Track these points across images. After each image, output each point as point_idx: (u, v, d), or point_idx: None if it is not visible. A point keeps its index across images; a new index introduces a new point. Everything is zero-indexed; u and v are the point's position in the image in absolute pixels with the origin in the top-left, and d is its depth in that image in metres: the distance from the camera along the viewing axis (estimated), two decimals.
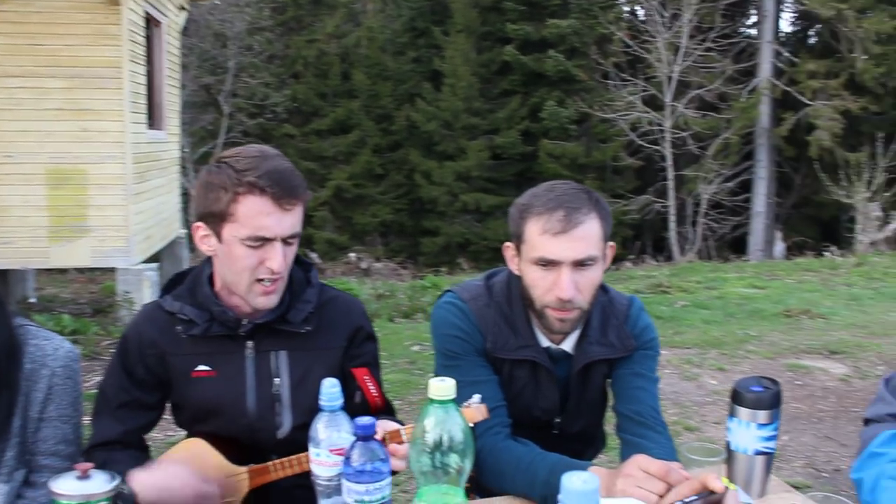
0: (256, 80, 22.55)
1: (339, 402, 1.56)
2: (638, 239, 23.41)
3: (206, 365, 1.97)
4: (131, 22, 8.45)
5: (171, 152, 11.00)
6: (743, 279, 11.35)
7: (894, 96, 23.00)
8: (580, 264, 1.89)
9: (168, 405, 2.10)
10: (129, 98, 8.35)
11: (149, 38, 9.51)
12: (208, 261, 2.00)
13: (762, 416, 1.71)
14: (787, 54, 22.28)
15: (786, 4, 23.83)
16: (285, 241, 1.84)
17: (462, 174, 22.97)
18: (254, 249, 1.82)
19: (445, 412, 1.40)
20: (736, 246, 21.38)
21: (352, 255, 19.04)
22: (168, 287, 2.04)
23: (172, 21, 10.85)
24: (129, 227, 8.38)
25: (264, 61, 23.02)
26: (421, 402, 2.17)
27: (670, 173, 19.92)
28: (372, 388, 2.06)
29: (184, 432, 2.10)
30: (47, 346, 1.87)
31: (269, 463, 1.84)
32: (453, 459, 1.39)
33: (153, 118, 9.75)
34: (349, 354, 2.06)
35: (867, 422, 2.01)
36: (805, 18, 24.48)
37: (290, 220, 1.83)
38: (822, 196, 20.99)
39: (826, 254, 14.68)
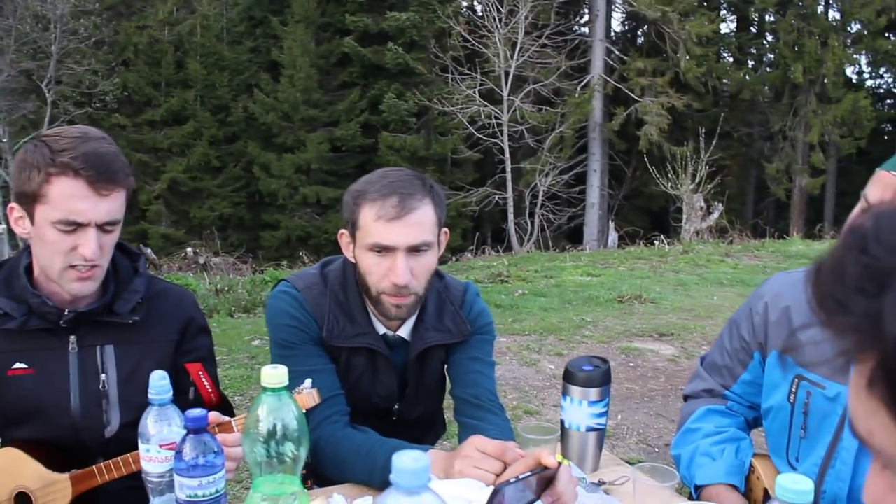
0: (83, 66, 21.38)
1: (169, 394, 1.47)
2: (478, 230, 23.80)
3: (23, 362, 1.80)
4: None
5: None
6: (579, 268, 11.67)
7: (714, 94, 24.46)
8: (415, 250, 1.86)
9: None
10: None
11: None
12: (26, 251, 1.84)
13: (593, 393, 1.75)
14: (617, 52, 23.21)
15: (616, 5, 24.81)
16: (102, 227, 1.72)
17: (302, 167, 22.69)
18: (66, 234, 1.69)
19: (279, 400, 1.34)
20: (572, 236, 22.07)
21: (189, 249, 18.37)
22: None
23: None
24: None
25: (91, 47, 21.87)
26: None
27: (508, 166, 20.31)
28: (206, 384, 1.96)
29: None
30: None
31: (94, 466, 1.69)
32: (288, 448, 1.33)
33: None
34: (182, 349, 1.96)
35: (686, 398, 2.10)
36: (634, 19, 25.63)
37: (106, 206, 1.70)
38: (651, 188, 21.96)
39: (655, 243, 15.31)
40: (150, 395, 1.46)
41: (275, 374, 1.34)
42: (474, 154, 22.41)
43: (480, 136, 20.57)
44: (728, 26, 27.28)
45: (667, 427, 5.11)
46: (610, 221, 21.01)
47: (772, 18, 24.91)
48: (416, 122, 22.75)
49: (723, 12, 27.12)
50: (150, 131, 23.20)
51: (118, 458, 1.68)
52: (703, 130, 18.24)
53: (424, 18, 22.41)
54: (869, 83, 29.34)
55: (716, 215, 16.78)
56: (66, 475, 1.70)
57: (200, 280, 11.14)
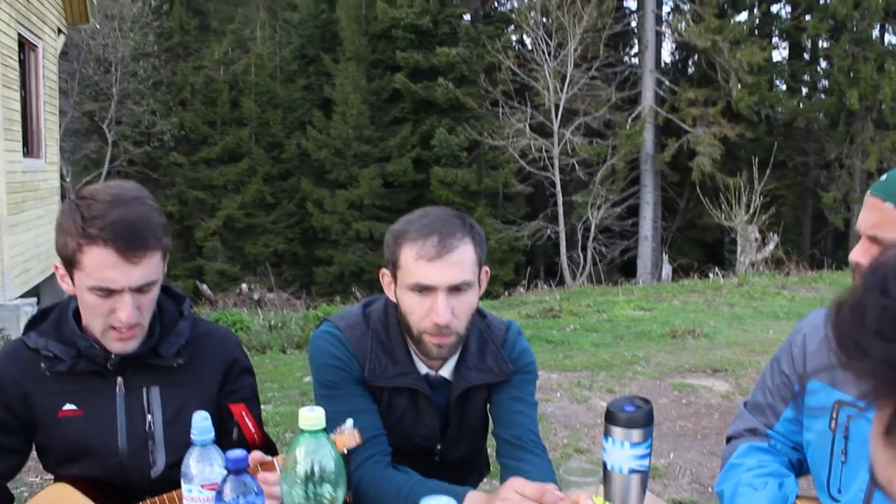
0: (142, 107, 21.96)
1: (210, 435, 1.49)
2: (530, 264, 23.76)
3: (73, 404, 1.85)
4: (3, 45, 8.09)
5: (49, 181, 10.55)
6: (631, 302, 11.57)
7: (767, 123, 24.16)
8: (455, 289, 1.87)
9: (34, 449, 1.96)
10: (2, 125, 7.97)
11: (23, 63, 9.12)
12: (73, 297, 1.88)
13: (635, 434, 1.70)
14: (668, 83, 23.10)
15: (666, 35, 24.71)
16: (138, 289, 1.75)
17: (354, 202, 22.90)
18: (103, 299, 1.73)
19: (316, 442, 1.37)
20: (625, 269, 21.92)
21: (243, 285, 18.63)
22: (32, 323, 1.91)
23: (49, 45, 10.44)
24: (4, 261, 7.97)
25: (150, 88, 22.48)
26: None
27: (560, 199, 20.28)
28: (250, 424, 1.98)
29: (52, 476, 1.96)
30: None
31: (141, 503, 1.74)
32: (326, 490, 1.35)
33: (29, 146, 9.34)
34: (225, 389, 1.98)
35: (729, 440, 2.08)
36: (683, 49, 25.47)
37: (138, 273, 1.72)
38: (704, 219, 21.76)
39: (710, 275, 15.14)
40: (192, 436, 1.48)
41: (312, 417, 1.37)
42: (525, 188, 22.42)
43: (531, 169, 20.60)
44: (780, 53, 27.02)
45: (717, 466, 5.04)
46: (663, 254, 20.81)
47: (825, 44, 24.59)
48: (468, 156, 22.86)
49: (774, 39, 26.87)
50: (206, 169, 23.65)
51: (164, 495, 1.71)
52: (757, 160, 18.04)
53: (474, 53, 22.59)
54: None
55: (771, 246, 16.54)
56: None
57: (254, 316, 11.27)
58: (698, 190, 19.29)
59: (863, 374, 0.53)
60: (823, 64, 25.77)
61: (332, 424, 1.83)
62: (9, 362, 1.86)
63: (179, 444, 1.83)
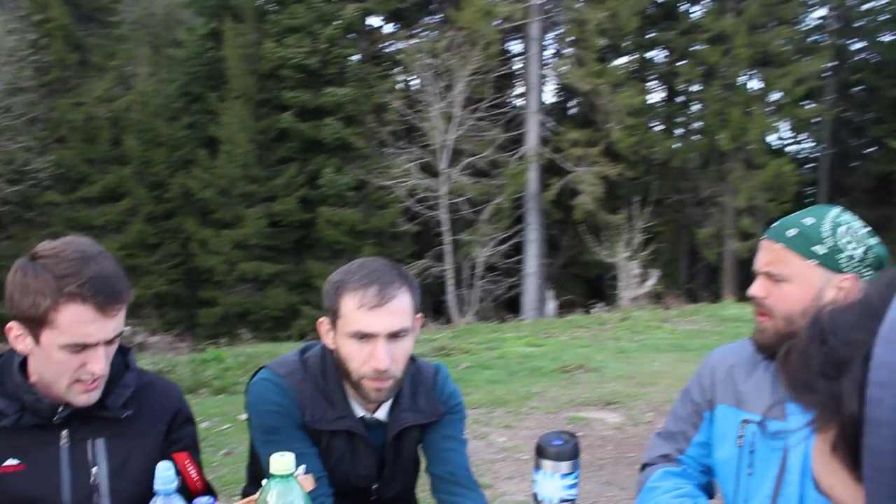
0: (16, 143, 21.15)
1: (174, 484, 1.55)
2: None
3: (15, 458, 1.83)
4: None
5: None
6: (521, 338, 11.77)
7: (646, 163, 25.12)
8: (394, 336, 1.96)
9: None
10: None
11: None
12: (12, 353, 1.89)
13: (564, 466, 1.83)
14: (551, 124, 23.76)
15: (549, 78, 25.44)
16: (110, 341, 1.79)
17: (240, 242, 22.57)
18: (75, 354, 1.75)
19: (287, 486, 1.44)
20: (511, 306, 22.25)
21: (126, 328, 18.08)
22: None
23: None
24: None
25: (25, 124, 21.67)
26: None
27: (447, 238, 20.50)
28: (193, 472, 2.01)
29: None
30: None
31: None
32: None
33: None
34: (169, 439, 2.02)
35: (643, 467, 2.25)
36: (566, 91, 26.29)
37: (113, 325, 1.77)
38: (586, 256, 22.35)
39: (592, 310, 15.56)
40: (156, 486, 1.53)
41: (283, 462, 1.45)
42: (412, 227, 22.59)
43: (419, 208, 20.77)
44: (655, 96, 28.21)
45: (617, 495, 5.18)
46: (548, 290, 21.27)
47: (697, 88, 25.80)
48: (355, 195, 22.88)
49: (651, 84, 28.06)
50: (85, 208, 22.89)
51: None
52: (638, 199, 18.70)
53: (362, 94, 22.73)
54: (790, 148, 30.57)
55: (652, 281, 17.12)
56: None
57: (139, 360, 10.94)
58: (581, 227, 19.83)
59: (811, 405, 0.66)
60: (696, 107, 27.03)
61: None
62: None
63: (125, 495, 1.89)
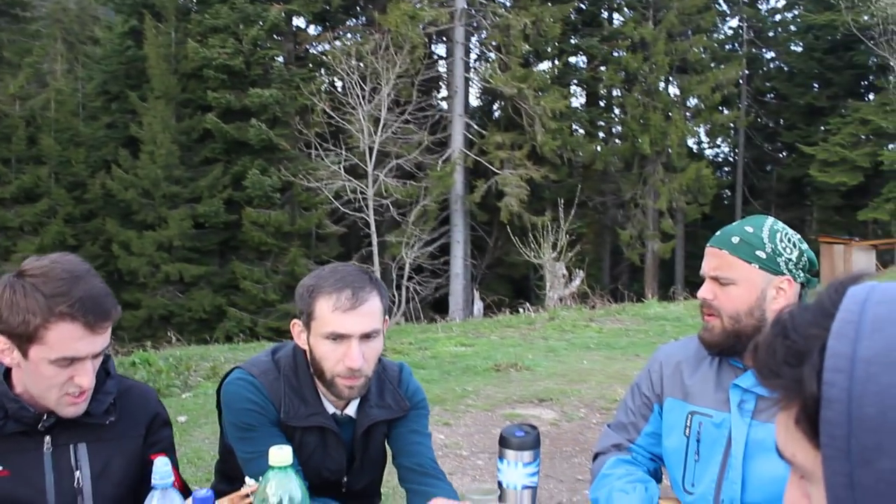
0: None
1: (171, 479, 1.61)
2: None
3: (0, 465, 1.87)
4: None
5: None
6: (452, 338, 11.87)
7: (569, 166, 25.58)
8: (367, 337, 2.08)
9: None
10: None
11: None
12: None
13: (526, 455, 1.98)
14: (476, 127, 24.02)
15: (473, 81, 25.71)
16: (96, 356, 1.84)
17: (163, 244, 22.22)
18: (63, 368, 1.79)
19: (285, 475, 1.56)
20: (438, 306, 22.43)
21: None
22: None
23: None
24: None
25: None
26: None
27: (374, 239, 20.53)
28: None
29: None
30: None
31: None
32: None
33: None
34: (148, 441, 2.08)
35: (596, 456, 2.44)
36: (490, 94, 26.60)
37: (101, 341, 1.81)
38: (512, 257, 22.66)
39: (520, 310, 15.77)
40: (153, 480, 1.60)
41: (281, 454, 1.57)
42: (339, 228, 22.58)
43: (346, 210, 20.74)
44: (578, 101, 28.75)
45: (557, 487, 5.34)
46: (474, 291, 21.48)
47: (618, 93, 26.43)
48: (281, 197, 22.75)
49: (573, 88, 28.61)
50: (0, 209, 22.26)
51: None
52: (562, 201, 19.03)
53: (287, 95, 22.60)
54: (708, 153, 31.52)
55: (577, 282, 17.42)
56: None
57: None
58: (508, 229, 20.09)
59: (777, 388, 0.81)
60: (617, 111, 27.67)
61: (251, 464, 2.05)
62: None
63: (108, 497, 1.95)
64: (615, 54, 25.74)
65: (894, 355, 0.74)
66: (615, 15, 28.46)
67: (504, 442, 1.97)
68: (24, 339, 1.77)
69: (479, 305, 19.87)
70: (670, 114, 24.52)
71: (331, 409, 2.23)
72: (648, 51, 24.61)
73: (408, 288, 20.28)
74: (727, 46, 29.30)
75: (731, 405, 2.09)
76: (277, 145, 22.42)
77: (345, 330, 2.04)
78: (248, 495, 1.81)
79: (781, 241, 2.09)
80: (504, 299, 19.73)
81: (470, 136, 23.91)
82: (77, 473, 1.94)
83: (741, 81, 27.51)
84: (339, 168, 20.58)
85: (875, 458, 0.73)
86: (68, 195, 22.92)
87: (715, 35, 28.37)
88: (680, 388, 2.23)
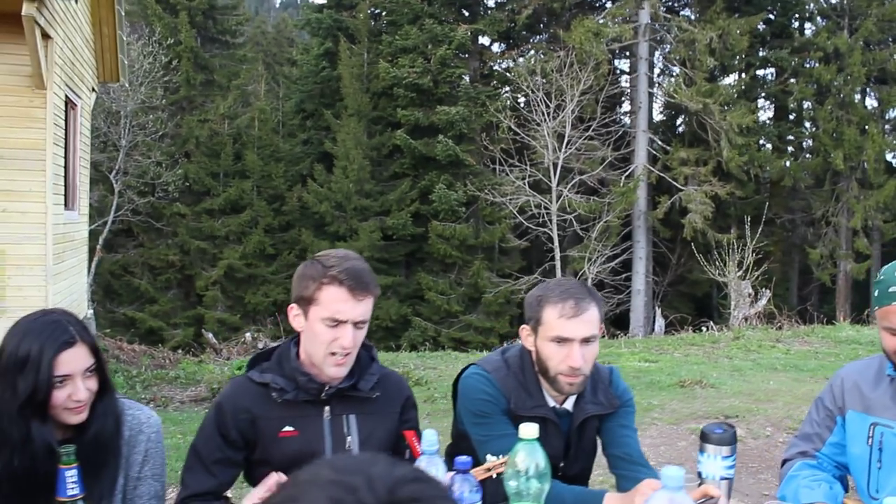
0: (148, 158, 22.38)
1: (436, 447, 1.98)
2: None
3: (291, 426, 2.33)
4: (55, 105, 8.56)
5: (81, 232, 10.99)
6: (635, 353, 11.97)
7: (756, 182, 24.89)
8: (586, 341, 2.40)
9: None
10: (52, 180, 8.41)
11: (65, 121, 9.59)
12: (294, 340, 2.40)
13: (725, 450, 2.21)
14: (660, 142, 23.80)
15: (657, 96, 25.51)
16: (356, 324, 2.25)
17: None
18: (330, 329, 2.23)
19: (532, 447, 1.91)
20: (618, 323, 22.36)
21: (247, 334, 18.91)
22: (253, 363, 2.43)
23: (85, 103, 10.95)
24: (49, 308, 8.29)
25: (156, 140, 22.93)
26: None
27: (557, 254, 20.75)
28: (418, 446, 2.46)
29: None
30: (140, 415, 2.26)
31: None
32: (533, 484, 1.89)
33: (67, 199, 9.75)
34: (401, 419, 2.50)
35: (784, 462, 2.69)
36: (674, 109, 26.26)
37: (360, 309, 2.24)
38: (695, 274, 22.31)
39: (703, 328, 15.59)
40: (422, 447, 1.98)
41: (529, 429, 1.93)
42: (522, 242, 22.96)
43: (529, 225, 21.09)
44: (766, 115, 27.89)
45: (742, 501, 5.38)
46: (656, 308, 21.29)
47: (809, 107, 25.47)
48: (466, 211, 23.43)
49: (761, 102, 27.78)
50: (209, 219, 24.09)
51: None
52: (749, 218, 18.61)
53: (473, 112, 23.29)
54: None
55: (764, 301, 16.98)
56: None
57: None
58: (692, 246, 19.83)
59: None
60: (808, 125, 26.67)
61: (486, 445, 2.41)
62: (239, 394, 2.35)
63: None
64: (806, 66, 24.86)
65: None
66: (807, 25, 27.47)
67: (705, 437, 2.21)
68: (306, 302, 2.25)
69: (660, 322, 19.67)
70: (867, 127, 23.42)
71: (551, 403, 2.56)
72: (843, 61, 23.62)
73: None
74: None
75: None
76: (463, 161, 23.12)
77: (568, 334, 2.38)
78: (489, 469, 2.14)
79: None
80: (687, 317, 19.43)
81: (653, 152, 23.75)
82: (349, 438, 2.37)
83: None
84: (524, 183, 20.94)
85: None
86: (268, 207, 24.50)
87: None
88: (860, 401, 2.46)
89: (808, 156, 26.04)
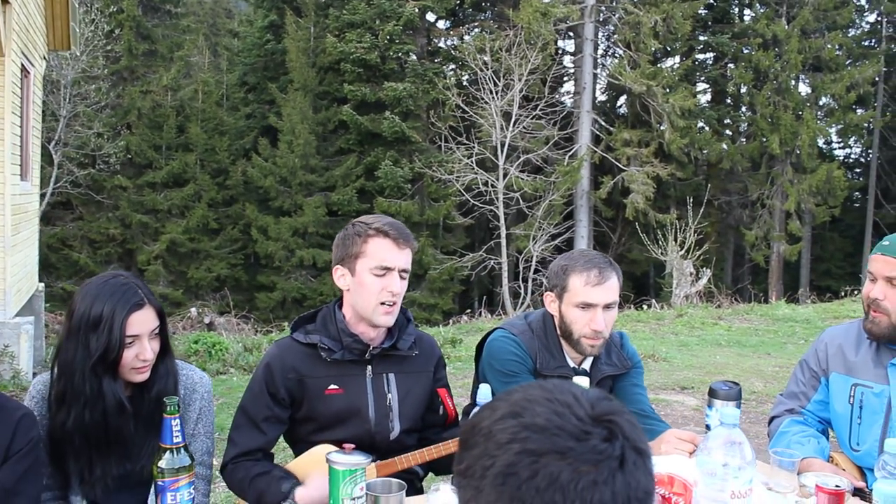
0: (89, 129, 21.87)
1: (489, 399, 2.12)
2: (466, 294, 24.46)
3: (336, 384, 2.49)
4: (12, 73, 8.41)
5: (34, 203, 10.82)
6: None
7: (696, 164, 25.46)
8: (608, 307, 2.68)
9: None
10: (10, 150, 8.28)
11: (21, 89, 9.41)
12: (337, 303, 2.57)
13: (731, 404, 2.43)
14: (603, 123, 24.16)
15: (601, 77, 25.85)
16: (400, 273, 2.45)
17: (298, 230, 23.29)
18: (379, 278, 2.43)
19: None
20: None
21: (193, 309, 18.79)
22: (296, 325, 2.59)
23: (38, 71, 10.75)
24: (6, 280, 8.22)
25: (97, 111, 22.43)
26: None
27: (503, 232, 20.98)
28: (450, 403, 2.72)
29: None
30: (194, 375, 2.41)
31: (394, 459, 2.38)
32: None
33: (23, 169, 9.59)
34: (435, 377, 2.69)
35: (771, 419, 2.98)
36: (614, 89, 26.64)
37: (404, 258, 2.47)
38: (634, 254, 22.82)
39: (644, 306, 16.02)
40: (478, 398, 2.18)
41: (583, 382, 2.18)
42: (466, 220, 23.16)
43: (476, 203, 21.25)
44: (704, 97, 28.44)
45: None
46: None
47: (747, 91, 26.06)
48: (411, 188, 23.53)
49: (700, 86, 28.36)
50: (151, 193, 23.73)
51: (414, 453, 2.37)
52: (691, 199, 19.08)
53: (420, 89, 23.32)
54: (839, 153, 30.70)
55: (704, 280, 17.48)
56: (371, 462, 2.29)
57: (229, 339, 11.50)
58: (635, 226, 20.26)
59: None
60: (745, 110, 27.32)
61: None
62: (285, 354, 2.50)
63: (409, 416, 2.58)
64: (745, 51, 25.44)
65: None
66: (746, 11, 28.08)
67: (713, 393, 2.45)
68: (352, 258, 2.47)
69: None
70: (801, 113, 24.11)
71: (571, 364, 2.81)
72: (780, 48, 24.26)
73: (534, 280, 20.67)
74: (864, 42, 28.35)
75: (889, 379, 2.62)
76: (410, 137, 23.18)
77: (593, 300, 2.64)
78: None
79: None
80: (628, 295, 19.91)
81: (597, 133, 24.10)
82: (389, 395, 2.56)
83: (878, 79, 26.68)
84: (471, 161, 21.07)
85: None
86: (212, 181, 24.24)
87: (851, 32, 27.56)
88: (843, 364, 2.73)
89: (744, 140, 26.70)
